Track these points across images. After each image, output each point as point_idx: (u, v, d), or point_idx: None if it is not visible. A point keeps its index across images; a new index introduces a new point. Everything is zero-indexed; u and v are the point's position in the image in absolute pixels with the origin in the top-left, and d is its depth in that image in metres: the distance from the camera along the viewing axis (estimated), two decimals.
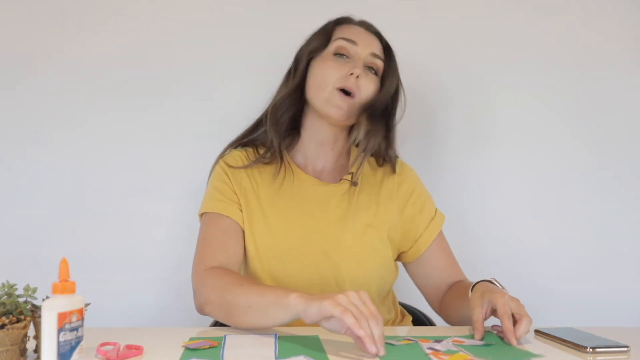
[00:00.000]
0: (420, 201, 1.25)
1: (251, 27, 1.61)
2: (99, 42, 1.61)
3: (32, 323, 0.86)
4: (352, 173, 1.21)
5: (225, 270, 1.08)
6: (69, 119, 1.60)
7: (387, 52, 1.23)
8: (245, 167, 1.22)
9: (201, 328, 1.09)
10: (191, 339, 0.95)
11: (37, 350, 0.86)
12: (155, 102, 1.61)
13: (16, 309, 0.84)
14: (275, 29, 1.59)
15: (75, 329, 0.72)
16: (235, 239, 1.15)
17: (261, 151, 1.24)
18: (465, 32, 1.65)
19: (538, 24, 1.65)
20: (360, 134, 1.18)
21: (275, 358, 0.85)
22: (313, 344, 0.93)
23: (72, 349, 0.72)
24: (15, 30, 1.59)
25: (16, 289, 0.86)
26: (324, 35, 1.22)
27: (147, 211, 1.61)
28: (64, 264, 0.75)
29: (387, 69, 1.21)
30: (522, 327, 0.94)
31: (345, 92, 1.16)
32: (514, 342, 0.92)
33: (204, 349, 0.90)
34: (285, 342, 0.94)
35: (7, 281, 0.86)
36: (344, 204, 1.19)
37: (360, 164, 1.19)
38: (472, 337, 0.98)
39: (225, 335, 0.98)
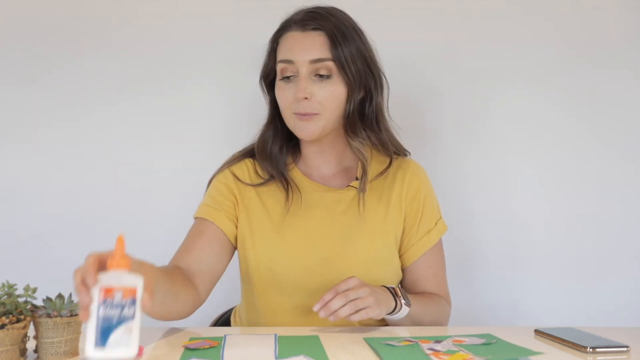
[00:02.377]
0: (420, 209, 1.20)
1: (252, 21, 1.61)
2: (99, 43, 1.61)
3: (32, 323, 0.86)
4: (358, 179, 1.18)
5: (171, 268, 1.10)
6: (68, 118, 1.60)
7: (335, 38, 1.10)
8: (253, 185, 1.20)
9: (201, 328, 1.09)
10: (191, 339, 0.95)
11: (37, 350, 0.86)
12: (156, 101, 1.62)
13: (16, 309, 0.84)
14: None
15: (121, 306, 0.71)
16: (207, 240, 1.15)
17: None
18: (461, 27, 1.64)
19: (537, 17, 1.65)
20: (353, 143, 1.16)
21: (275, 358, 0.85)
22: (313, 344, 0.93)
23: (113, 326, 0.71)
24: (12, 27, 1.59)
25: (16, 289, 0.86)
26: (271, 56, 1.17)
27: (147, 211, 1.61)
28: (120, 241, 0.74)
29: (340, 60, 1.10)
30: (334, 300, 0.97)
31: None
32: (316, 306, 0.98)
33: (204, 348, 0.90)
34: (285, 342, 0.94)
35: (7, 281, 0.86)
36: (351, 211, 1.17)
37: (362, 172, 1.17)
38: (472, 336, 0.98)
39: (225, 335, 0.98)
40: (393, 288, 1.08)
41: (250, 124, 1.27)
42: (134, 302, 0.72)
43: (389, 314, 1.05)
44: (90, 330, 0.70)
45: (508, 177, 1.65)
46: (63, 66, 1.60)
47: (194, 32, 1.62)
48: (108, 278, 0.71)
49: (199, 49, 1.62)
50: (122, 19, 1.61)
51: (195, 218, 1.19)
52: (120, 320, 0.71)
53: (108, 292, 0.71)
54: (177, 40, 1.62)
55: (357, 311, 0.97)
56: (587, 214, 1.64)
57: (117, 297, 0.71)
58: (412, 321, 1.10)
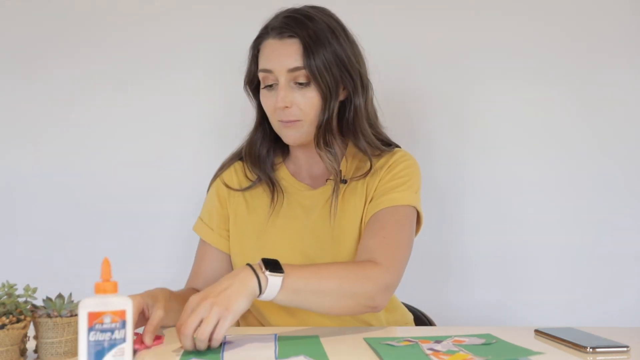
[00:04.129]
0: (392, 175, 1.17)
1: (246, 26, 1.61)
2: (101, 42, 1.61)
3: (32, 323, 0.86)
4: (339, 172, 1.19)
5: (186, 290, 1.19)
6: (63, 119, 1.60)
7: (308, 46, 1.09)
8: (242, 190, 1.24)
9: None
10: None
11: (37, 350, 0.86)
12: (157, 101, 1.61)
13: (16, 309, 0.84)
14: None
15: (110, 330, 0.72)
16: (209, 262, 1.23)
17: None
18: (455, 26, 1.64)
19: (532, 15, 1.65)
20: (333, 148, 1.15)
21: (276, 358, 0.85)
22: (313, 344, 0.93)
23: (104, 350, 0.71)
24: (16, 31, 1.59)
25: (16, 289, 0.86)
26: (253, 63, 1.18)
27: (146, 211, 1.61)
28: (106, 264, 0.74)
29: (311, 69, 1.09)
30: (182, 338, 0.87)
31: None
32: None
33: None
34: (285, 342, 0.94)
35: (7, 281, 0.86)
36: (329, 205, 1.18)
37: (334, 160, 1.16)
38: (472, 336, 0.98)
39: (225, 336, 0.98)
40: (258, 263, 0.93)
41: (243, 126, 1.28)
42: (123, 324, 0.72)
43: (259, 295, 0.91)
44: (82, 356, 0.71)
45: (507, 176, 1.65)
46: (60, 66, 1.60)
47: (188, 33, 1.62)
48: (95, 303, 0.72)
49: (192, 50, 1.62)
50: (119, 19, 1.61)
51: (196, 233, 1.26)
52: (112, 344, 0.72)
53: (96, 317, 0.71)
54: (171, 41, 1.62)
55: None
56: (586, 213, 1.64)
57: (107, 321, 0.71)
58: (309, 292, 0.95)
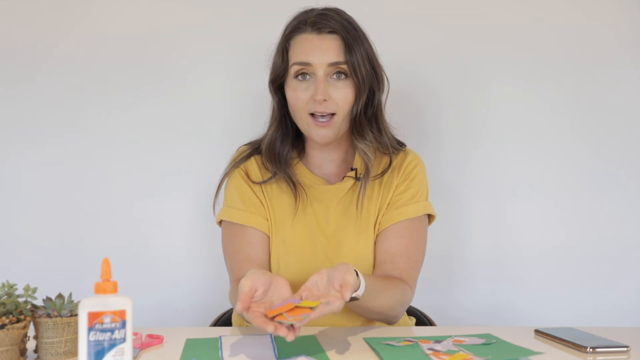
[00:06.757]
0: (407, 184, 1.20)
1: (253, 23, 1.61)
2: (101, 42, 1.60)
3: (32, 323, 0.86)
4: (355, 169, 1.21)
5: None
6: (71, 121, 1.60)
7: (349, 42, 1.13)
8: (261, 183, 1.21)
9: (201, 328, 1.09)
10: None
11: (37, 350, 0.86)
12: (158, 101, 1.61)
13: (16, 309, 0.84)
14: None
15: (110, 330, 0.72)
16: (259, 247, 1.18)
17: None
18: (461, 26, 1.64)
19: (536, 17, 1.65)
20: (357, 142, 1.17)
21: (276, 358, 0.85)
22: (311, 344, 0.93)
23: (104, 350, 0.72)
24: (14, 30, 1.59)
25: (16, 289, 0.86)
26: (283, 57, 1.17)
27: (151, 212, 1.60)
28: (106, 264, 0.74)
29: (352, 64, 1.13)
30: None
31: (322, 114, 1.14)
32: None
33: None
34: (284, 342, 0.94)
35: (7, 281, 0.86)
36: (346, 201, 1.19)
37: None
38: (472, 336, 0.98)
39: (220, 337, 0.98)
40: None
41: (252, 126, 1.28)
42: (123, 324, 0.72)
43: None
44: (82, 356, 0.71)
45: (508, 176, 1.65)
46: (65, 68, 1.59)
47: (197, 35, 1.61)
48: (95, 303, 0.72)
49: (202, 49, 1.61)
50: (125, 22, 1.61)
51: (230, 223, 1.19)
52: (112, 344, 0.72)
53: (96, 317, 0.71)
54: (180, 41, 1.61)
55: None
56: (587, 213, 1.64)
57: (107, 321, 0.72)
58: (360, 307, 1.04)
